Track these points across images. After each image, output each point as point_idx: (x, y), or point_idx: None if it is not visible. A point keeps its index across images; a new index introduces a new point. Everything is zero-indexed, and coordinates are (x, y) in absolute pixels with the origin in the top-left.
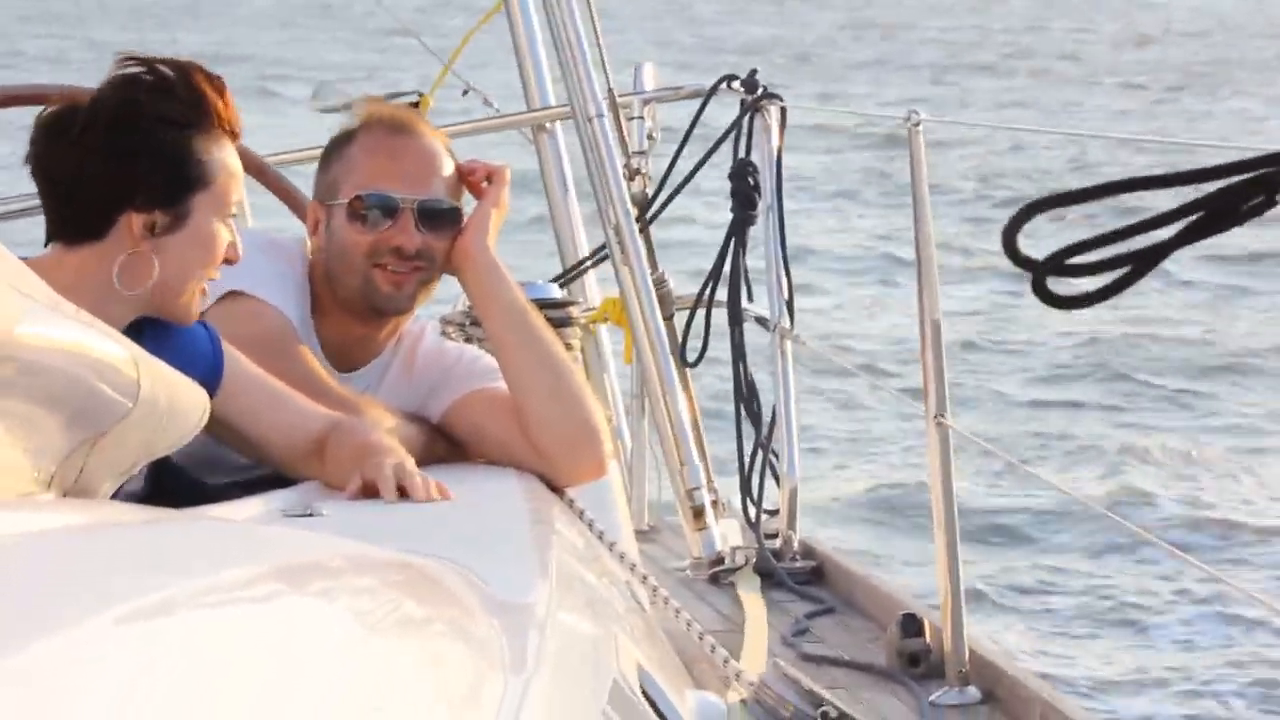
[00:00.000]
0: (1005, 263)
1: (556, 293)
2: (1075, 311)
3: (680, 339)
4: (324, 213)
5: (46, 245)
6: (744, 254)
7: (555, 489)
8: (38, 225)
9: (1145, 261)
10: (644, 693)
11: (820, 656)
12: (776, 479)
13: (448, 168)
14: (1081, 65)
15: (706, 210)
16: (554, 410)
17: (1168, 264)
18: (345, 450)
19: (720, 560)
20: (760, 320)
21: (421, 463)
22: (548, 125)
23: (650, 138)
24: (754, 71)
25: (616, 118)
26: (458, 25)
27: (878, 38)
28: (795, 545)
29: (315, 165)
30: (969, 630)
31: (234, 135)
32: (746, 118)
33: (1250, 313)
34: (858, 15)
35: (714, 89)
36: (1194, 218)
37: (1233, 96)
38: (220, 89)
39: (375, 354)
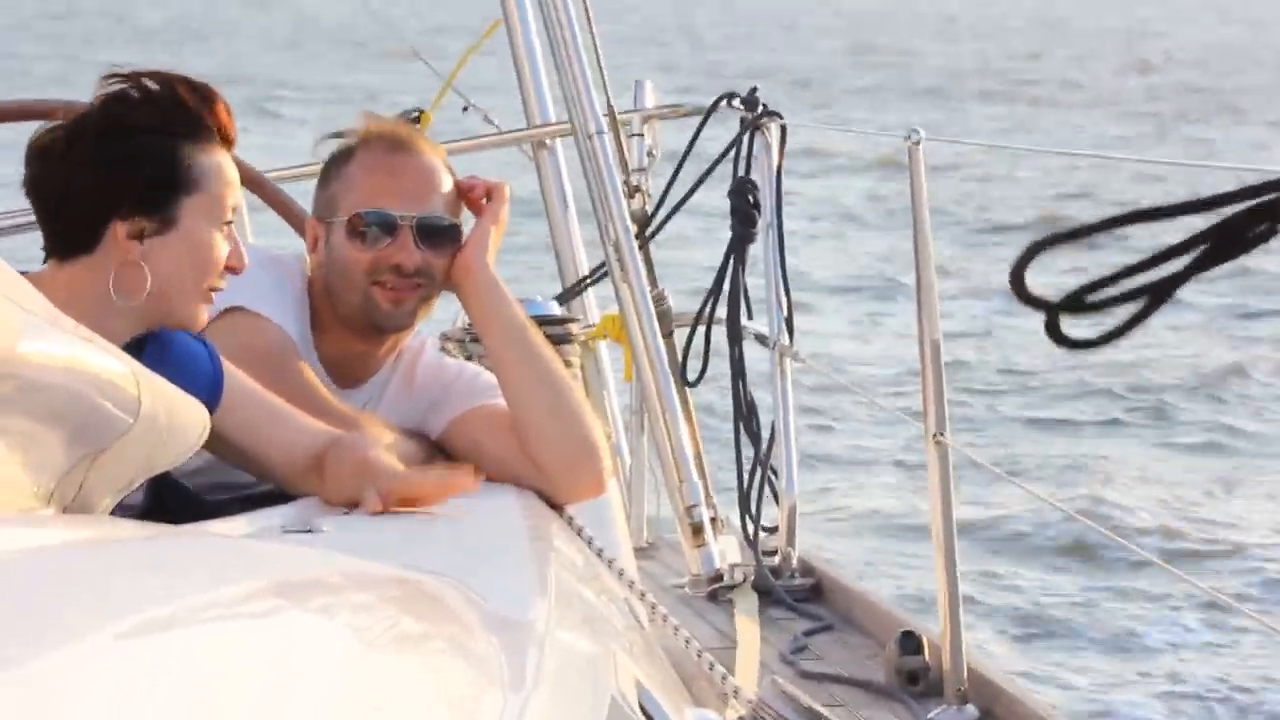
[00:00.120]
0: (990, 284)
1: (556, 310)
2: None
3: (680, 356)
4: (323, 230)
5: (44, 264)
6: (744, 272)
7: (554, 506)
8: (39, 241)
9: (1156, 297)
10: (642, 710)
11: (819, 674)
12: (775, 496)
13: (447, 184)
14: (1083, 92)
15: (705, 228)
16: (553, 427)
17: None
18: (345, 466)
19: (719, 577)
20: (760, 338)
21: None
22: (548, 142)
23: (650, 155)
24: (754, 89)
25: (616, 135)
26: (458, 49)
27: (878, 64)
28: (794, 562)
29: (314, 181)
30: (968, 647)
31: (229, 143)
32: (746, 135)
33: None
34: (859, 41)
35: (714, 106)
36: (1203, 248)
37: (1234, 125)
38: (208, 97)
39: (375, 370)
